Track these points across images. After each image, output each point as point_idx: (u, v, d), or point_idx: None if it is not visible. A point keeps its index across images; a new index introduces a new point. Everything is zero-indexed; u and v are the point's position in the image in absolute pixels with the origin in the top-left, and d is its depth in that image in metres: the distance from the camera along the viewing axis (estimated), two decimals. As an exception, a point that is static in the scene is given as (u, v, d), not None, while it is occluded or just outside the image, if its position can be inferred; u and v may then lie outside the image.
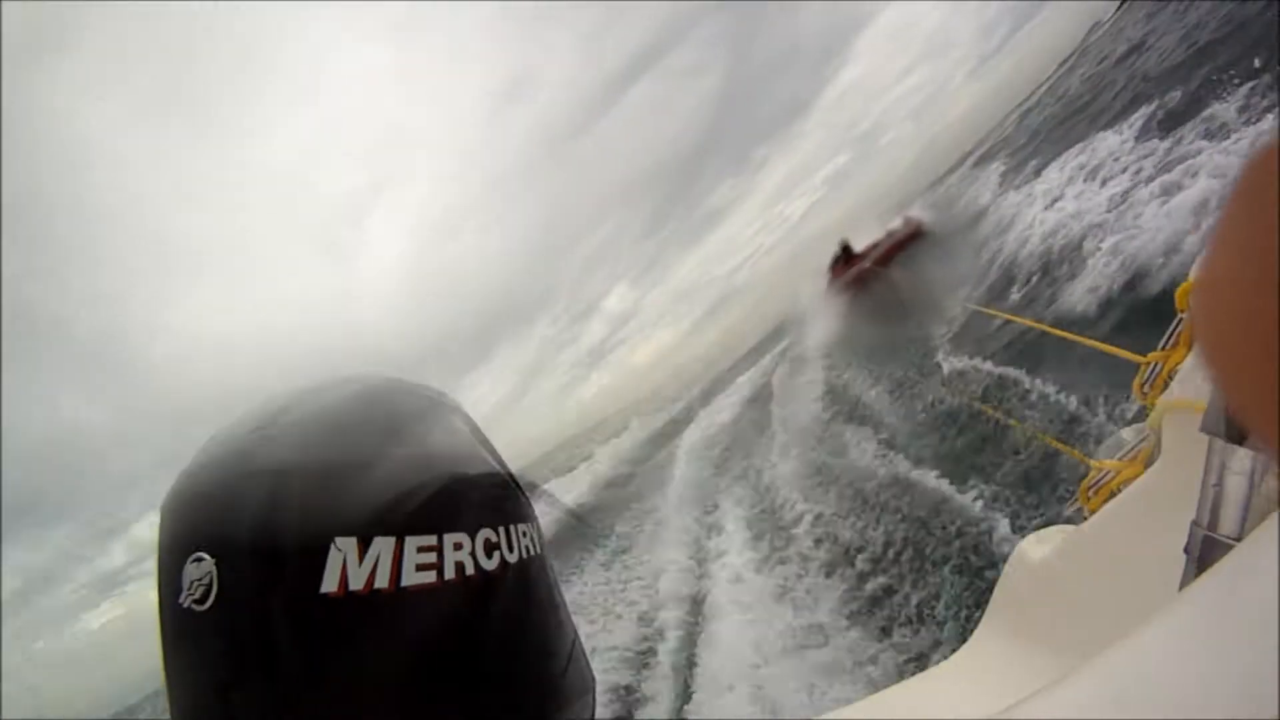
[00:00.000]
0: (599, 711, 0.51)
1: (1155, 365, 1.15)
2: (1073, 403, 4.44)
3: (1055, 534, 0.99)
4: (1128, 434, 1.15)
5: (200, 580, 0.37)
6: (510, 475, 0.49)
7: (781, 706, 3.77)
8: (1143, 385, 1.14)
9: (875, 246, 16.75)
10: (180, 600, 0.38)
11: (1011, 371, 5.63)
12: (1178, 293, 0.82)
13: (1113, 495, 1.10)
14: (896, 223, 16.97)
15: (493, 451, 0.49)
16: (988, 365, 6.16)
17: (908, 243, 15.17)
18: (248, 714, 0.36)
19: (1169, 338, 1.10)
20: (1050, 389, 4.84)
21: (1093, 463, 1.15)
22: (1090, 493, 1.15)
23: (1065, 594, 0.90)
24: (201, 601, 0.37)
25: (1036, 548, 0.99)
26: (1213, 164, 5.47)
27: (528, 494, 0.50)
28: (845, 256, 18.44)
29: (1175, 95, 8.14)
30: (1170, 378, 1.09)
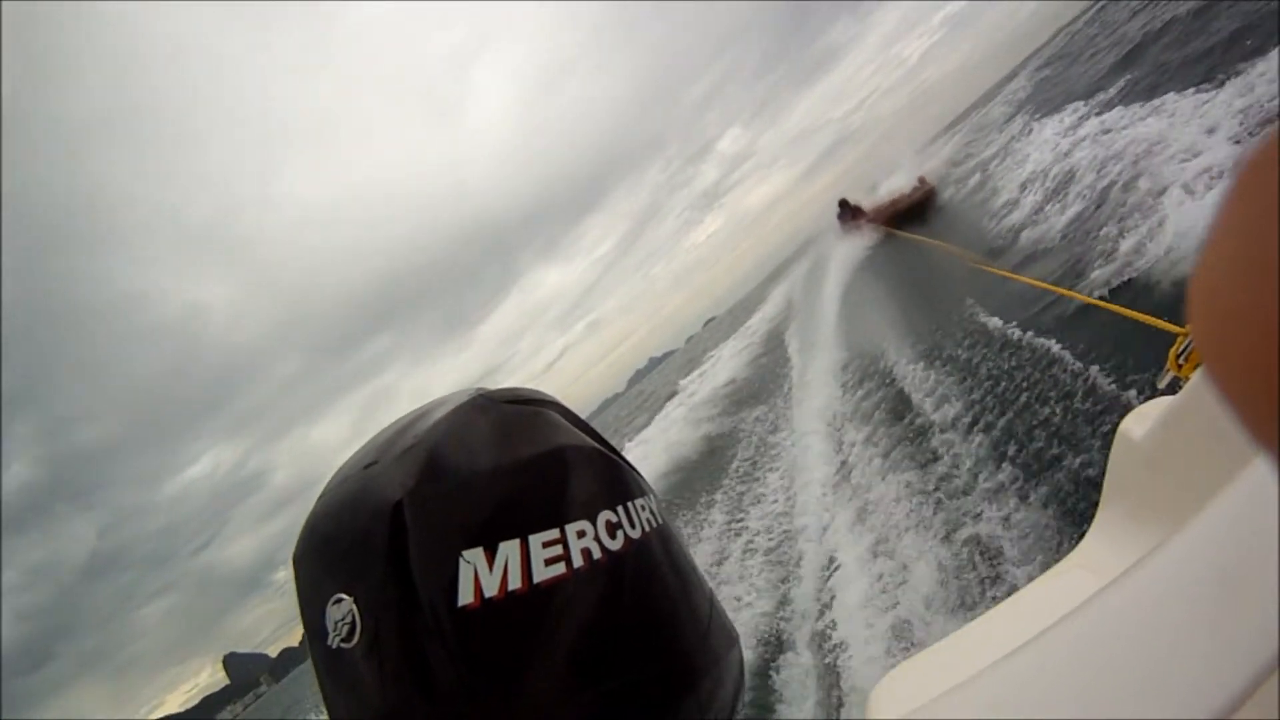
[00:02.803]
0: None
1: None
2: (1094, 371, 3.88)
3: (1154, 408, 0.90)
4: None
5: (343, 620, 0.37)
6: (617, 454, 0.48)
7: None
8: (1178, 356, 1.03)
9: (879, 211, 16.11)
10: (329, 643, 0.38)
11: (1028, 336, 4.98)
12: None
13: None
14: (910, 183, 16.31)
15: (596, 435, 0.48)
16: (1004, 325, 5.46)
17: (918, 206, 14.42)
18: None
19: None
20: (1066, 355, 4.27)
21: (1179, 329, 1.05)
22: (1180, 360, 1.05)
23: (1176, 465, 0.82)
24: (348, 640, 0.37)
25: (1138, 424, 0.90)
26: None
27: (636, 469, 0.49)
28: (852, 214, 17.94)
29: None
30: None
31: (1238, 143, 5.21)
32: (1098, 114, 9.02)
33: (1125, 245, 4.98)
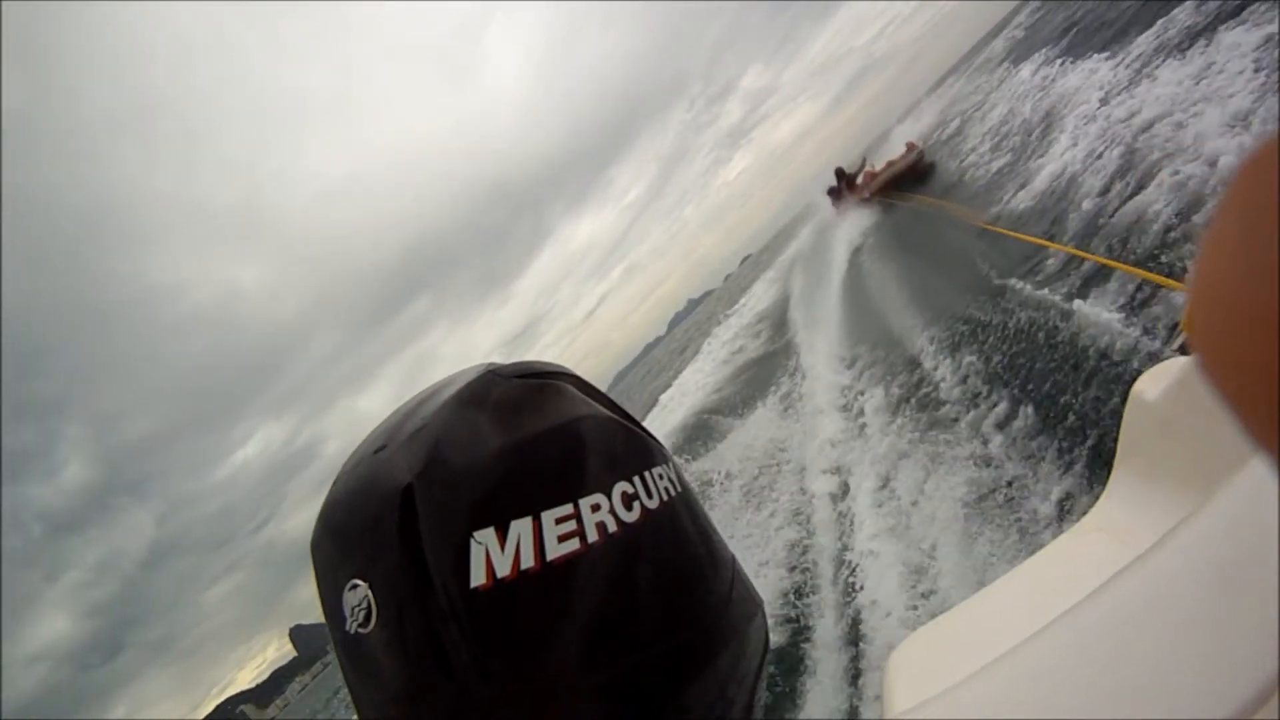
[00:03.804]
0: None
1: None
2: (1105, 330, 3.69)
3: (1168, 369, 0.86)
4: None
5: (359, 606, 0.36)
6: (634, 422, 0.46)
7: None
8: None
9: (874, 177, 15.55)
10: (347, 628, 0.37)
11: (1037, 293, 4.81)
12: None
13: None
14: (899, 151, 15.70)
15: (611, 404, 0.46)
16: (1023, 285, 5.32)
17: (909, 172, 13.93)
18: (442, 711, 0.35)
19: None
20: (1076, 313, 4.08)
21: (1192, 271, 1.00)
22: None
23: (1190, 428, 0.79)
24: (365, 625, 0.36)
25: (1152, 386, 0.87)
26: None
27: (655, 437, 0.46)
28: (847, 183, 17.34)
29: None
30: None
31: (1101, 106, 6.42)
32: (1046, 65, 10.43)
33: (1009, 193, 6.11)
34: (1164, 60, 6.10)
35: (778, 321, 13.51)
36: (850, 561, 3.99)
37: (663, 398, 16.28)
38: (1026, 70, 11.46)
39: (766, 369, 10.56)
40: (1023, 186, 6.58)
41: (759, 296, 20.36)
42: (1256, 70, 4.56)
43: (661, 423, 12.49)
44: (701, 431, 9.45)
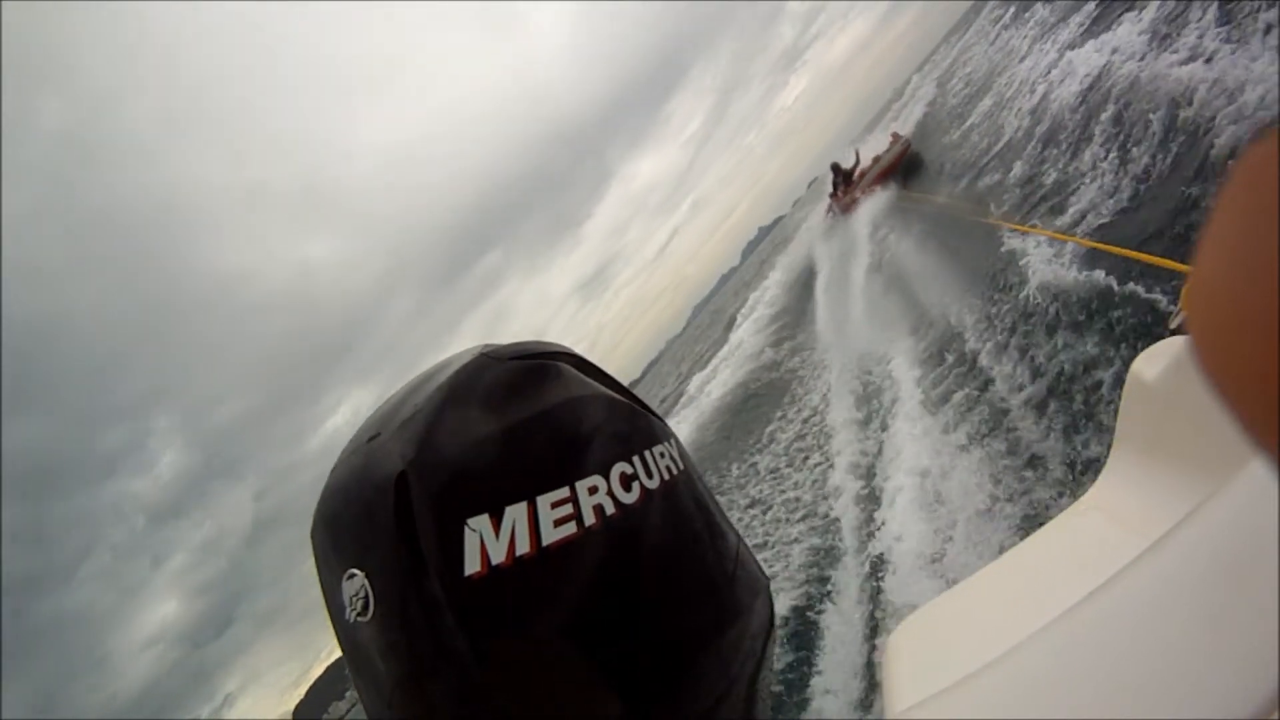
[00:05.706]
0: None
1: None
2: (1105, 311, 3.48)
3: (1167, 348, 0.82)
4: None
5: (357, 595, 0.35)
6: (635, 400, 0.44)
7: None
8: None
9: (864, 173, 14.66)
10: (347, 617, 0.36)
11: (1039, 279, 4.51)
12: None
13: None
14: (884, 144, 14.89)
15: (611, 382, 0.44)
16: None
17: (898, 162, 13.14)
18: (441, 699, 0.34)
19: None
20: (1077, 295, 3.85)
21: (1189, 268, 0.93)
22: None
23: (1188, 407, 0.76)
24: (363, 614, 0.35)
25: (1150, 366, 0.83)
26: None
27: (657, 414, 0.45)
28: (843, 179, 16.25)
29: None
30: None
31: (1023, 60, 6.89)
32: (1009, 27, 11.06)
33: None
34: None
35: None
36: (870, 536, 3.91)
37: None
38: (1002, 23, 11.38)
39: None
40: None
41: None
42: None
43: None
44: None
